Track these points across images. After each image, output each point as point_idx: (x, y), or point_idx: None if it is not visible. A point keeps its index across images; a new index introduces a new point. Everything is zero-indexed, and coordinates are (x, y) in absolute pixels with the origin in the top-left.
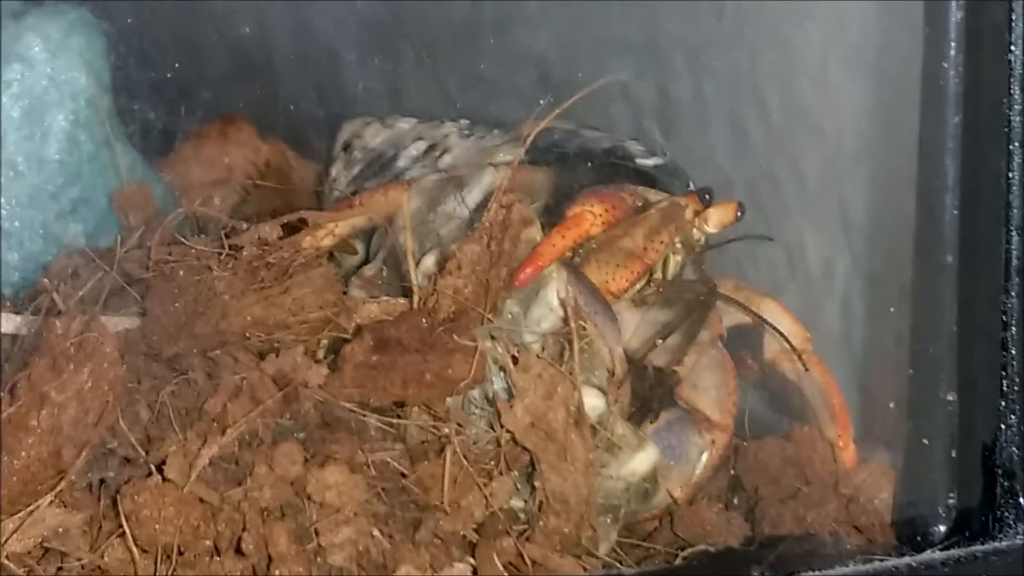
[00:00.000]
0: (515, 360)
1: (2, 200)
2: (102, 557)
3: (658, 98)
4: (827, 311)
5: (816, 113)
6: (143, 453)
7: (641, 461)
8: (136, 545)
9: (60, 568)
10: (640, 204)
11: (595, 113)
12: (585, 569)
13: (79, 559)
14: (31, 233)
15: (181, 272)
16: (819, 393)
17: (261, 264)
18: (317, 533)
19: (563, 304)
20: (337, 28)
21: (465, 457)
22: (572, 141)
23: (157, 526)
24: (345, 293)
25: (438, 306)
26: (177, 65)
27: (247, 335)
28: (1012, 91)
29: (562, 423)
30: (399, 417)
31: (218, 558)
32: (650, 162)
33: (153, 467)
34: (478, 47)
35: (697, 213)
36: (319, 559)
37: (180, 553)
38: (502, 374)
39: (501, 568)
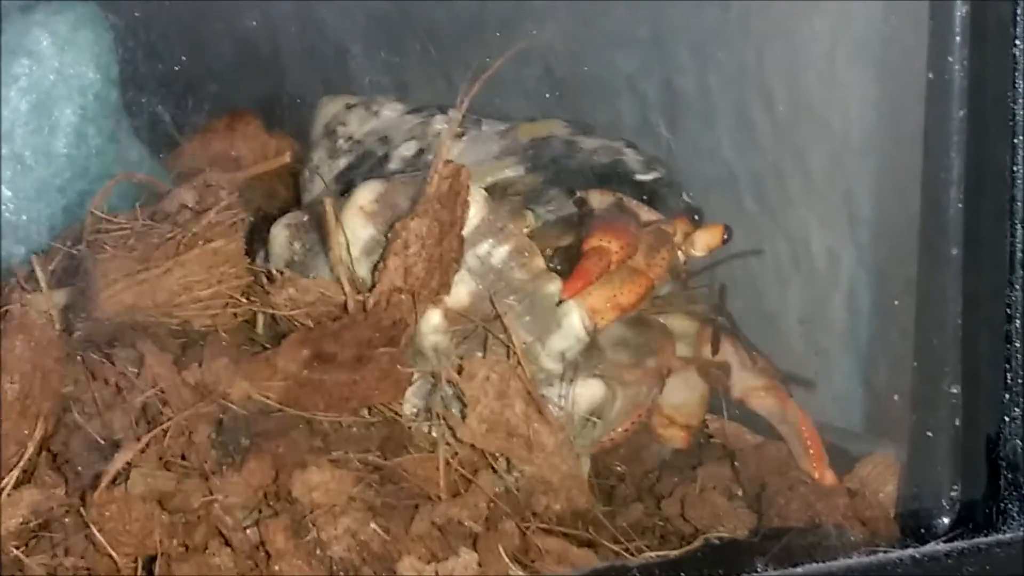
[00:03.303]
0: (459, 370)
1: (10, 194)
2: (81, 556)
3: (664, 91)
4: (832, 304)
5: (821, 106)
6: (99, 440)
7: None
8: (111, 548)
9: (54, 555)
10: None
11: (602, 107)
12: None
13: (63, 555)
14: (38, 227)
15: (91, 250)
16: (789, 427)
17: (151, 243)
18: (315, 526)
19: (589, 333)
20: (343, 21)
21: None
22: (571, 156)
23: (122, 537)
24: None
25: (382, 315)
26: (184, 59)
27: (136, 322)
28: (1016, 84)
29: (522, 417)
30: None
31: (202, 556)
32: (648, 177)
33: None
34: (484, 41)
35: (686, 235)
36: (319, 552)
37: (161, 554)
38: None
39: (507, 559)
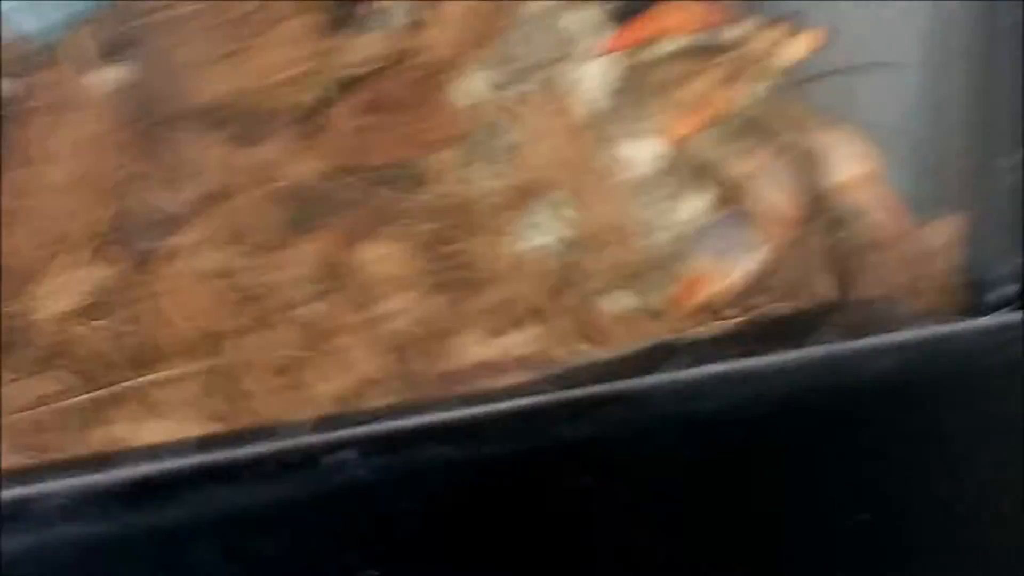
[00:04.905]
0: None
1: None
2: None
3: None
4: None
5: None
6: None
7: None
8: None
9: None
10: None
11: None
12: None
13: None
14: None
15: (162, 28)
16: (882, 214)
17: (234, 21)
18: (375, 301)
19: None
20: None
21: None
22: None
23: (185, 310)
24: None
25: (427, 51)
26: None
27: (221, 109)
28: None
29: (580, 156)
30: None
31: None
32: None
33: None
34: None
35: (775, 44)
36: (378, 326)
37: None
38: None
39: (572, 332)
